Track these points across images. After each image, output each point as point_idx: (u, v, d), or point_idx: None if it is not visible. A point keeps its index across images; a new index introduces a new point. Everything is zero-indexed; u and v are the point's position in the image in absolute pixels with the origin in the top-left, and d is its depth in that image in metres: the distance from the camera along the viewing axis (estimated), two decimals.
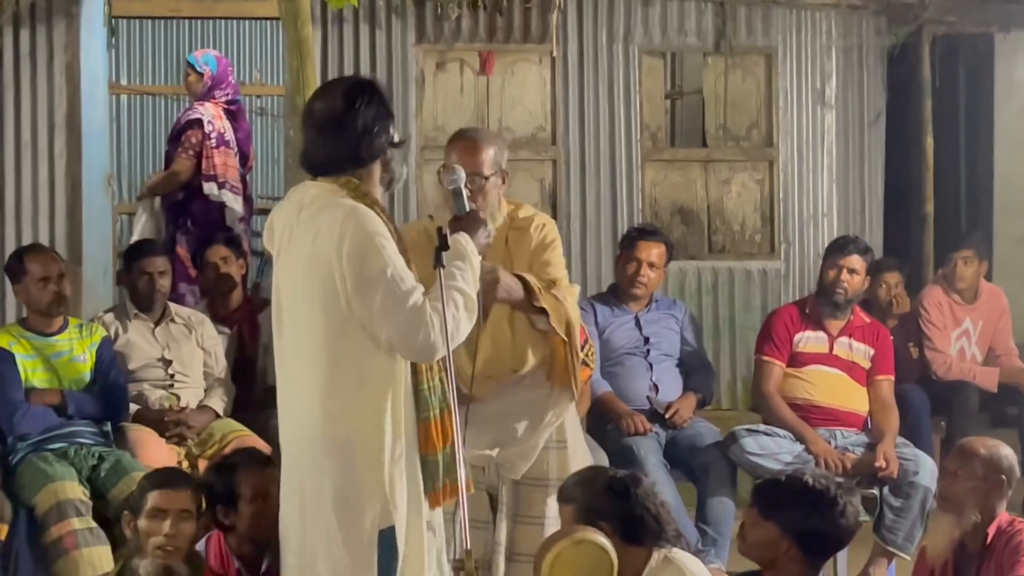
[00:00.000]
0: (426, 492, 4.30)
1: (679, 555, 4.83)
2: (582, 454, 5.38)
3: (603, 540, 4.55)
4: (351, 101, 4.26)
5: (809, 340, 7.13)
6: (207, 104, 8.59)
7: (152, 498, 4.78)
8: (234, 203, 8.48)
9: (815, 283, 7.46)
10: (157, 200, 8.63)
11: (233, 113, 8.75)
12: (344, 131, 4.25)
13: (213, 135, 8.44)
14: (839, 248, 7.20)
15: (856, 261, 7.11)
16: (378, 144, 4.27)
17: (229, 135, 8.58)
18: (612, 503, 4.78)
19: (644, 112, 9.30)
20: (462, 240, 4.37)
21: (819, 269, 7.32)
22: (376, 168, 4.30)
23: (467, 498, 4.24)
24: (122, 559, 4.88)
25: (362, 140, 4.25)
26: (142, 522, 4.76)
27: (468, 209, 4.56)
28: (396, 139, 4.32)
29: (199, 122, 8.48)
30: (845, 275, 7.10)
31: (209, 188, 8.39)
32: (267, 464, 5.20)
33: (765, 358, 7.15)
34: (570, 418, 5.29)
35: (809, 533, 4.48)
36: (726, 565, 6.67)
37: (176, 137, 8.57)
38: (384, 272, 4.12)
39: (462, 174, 4.63)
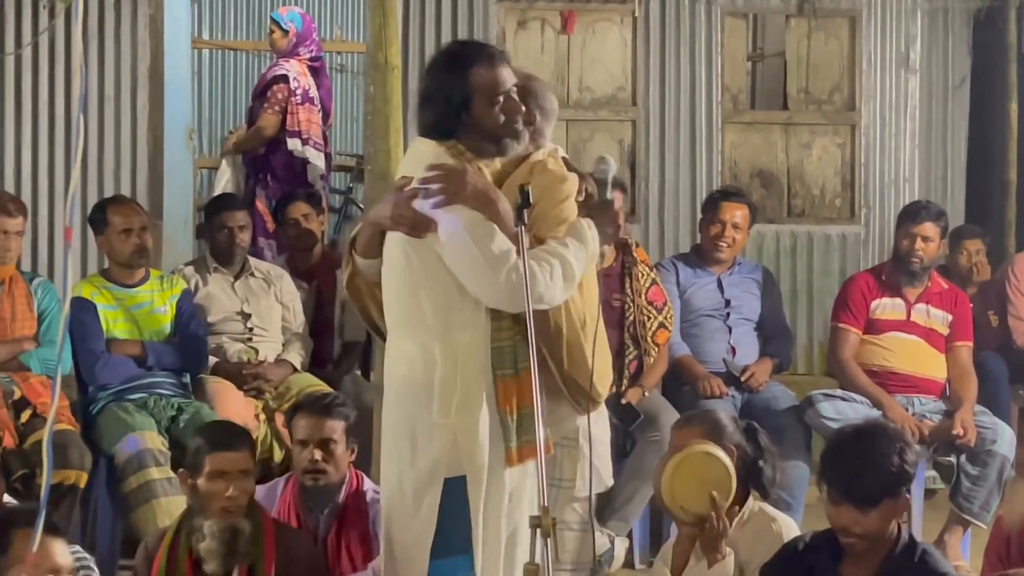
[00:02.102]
0: (503, 449, 4.31)
1: (780, 516, 4.84)
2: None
3: (730, 463, 4.59)
4: (428, 70, 4.42)
5: (886, 307, 7.08)
6: (291, 61, 8.66)
7: (211, 460, 4.72)
8: (317, 159, 8.56)
9: None
10: (239, 155, 8.71)
11: (316, 70, 8.82)
12: (420, 99, 4.38)
13: (298, 91, 8.51)
14: (911, 216, 7.10)
15: (930, 228, 7.03)
16: (436, 115, 4.32)
17: (313, 92, 8.65)
18: (743, 439, 4.80)
19: (725, 74, 9.24)
20: (585, 224, 4.38)
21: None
22: (475, 134, 4.33)
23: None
24: (178, 517, 4.88)
25: (427, 109, 4.34)
26: (202, 483, 4.72)
27: (608, 198, 4.58)
28: (477, 119, 4.31)
29: (285, 78, 8.55)
30: (919, 243, 7.02)
31: (293, 144, 8.47)
32: (324, 413, 5.23)
33: (841, 325, 7.11)
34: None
35: (906, 476, 4.38)
36: (801, 527, 6.64)
37: (262, 92, 8.65)
38: (470, 222, 4.17)
39: (614, 166, 4.65)
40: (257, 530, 4.67)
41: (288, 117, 8.48)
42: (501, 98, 4.31)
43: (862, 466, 4.37)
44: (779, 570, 4.54)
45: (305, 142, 8.48)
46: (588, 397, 4.51)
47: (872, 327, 7.07)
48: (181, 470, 4.86)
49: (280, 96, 8.48)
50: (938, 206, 7.28)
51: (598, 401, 4.65)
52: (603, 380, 4.66)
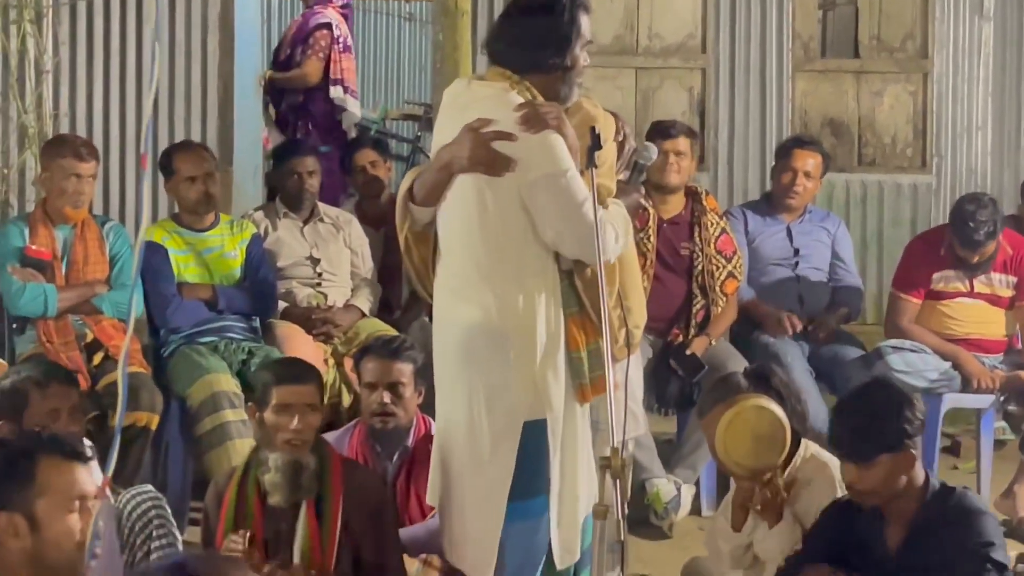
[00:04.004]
0: (573, 387, 4.35)
1: (832, 459, 4.82)
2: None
3: (783, 415, 4.59)
4: (529, 8, 4.40)
5: (949, 279, 6.97)
6: (328, 8, 8.71)
7: (277, 393, 4.71)
8: (355, 108, 8.61)
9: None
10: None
11: (345, 16, 8.86)
12: (511, 35, 4.39)
13: (340, 40, 8.57)
14: (971, 245, 6.81)
15: (990, 247, 6.89)
16: (533, 53, 4.34)
17: (349, 40, 8.70)
18: (760, 387, 4.78)
19: (796, 21, 9.15)
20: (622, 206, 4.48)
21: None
22: (560, 76, 4.37)
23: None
24: (248, 453, 4.89)
25: (520, 47, 4.35)
26: (268, 416, 4.71)
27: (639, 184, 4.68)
28: (568, 61, 4.36)
29: (328, 26, 8.60)
30: (978, 256, 6.91)
31: (336, 92, 8.53)
32: (393, 356, 5.24)
33: (902, 295, 7.04)
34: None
35: (908, 431, 4.37)
36: None
37: (304, 39, 8.66)
38: (561, 173, 4.20)
39: (655, 154, 4.69)
40: (324, 466, 4.67)
41: (331, 65, 8.56)
42: (587, 45, 4.40)
43: (859, 422, 4.38)
44: (825, 529, 4.53)
45: (346, 90, 8.54)
46: (628, 342, 4.61)
47: (934, 295, 6.99)
48: (250, 404, 4.89)
49: (323, 43, 8.54)
50: (991, 209, 6.83)
51: (635, 344, 4.71)
52: (639, 323, 4.76)
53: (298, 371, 4.88)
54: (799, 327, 6.93)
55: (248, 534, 4.60)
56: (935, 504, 4.40)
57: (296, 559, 4.60)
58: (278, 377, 4.78)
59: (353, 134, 8.69)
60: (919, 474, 4.43)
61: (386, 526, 4.76)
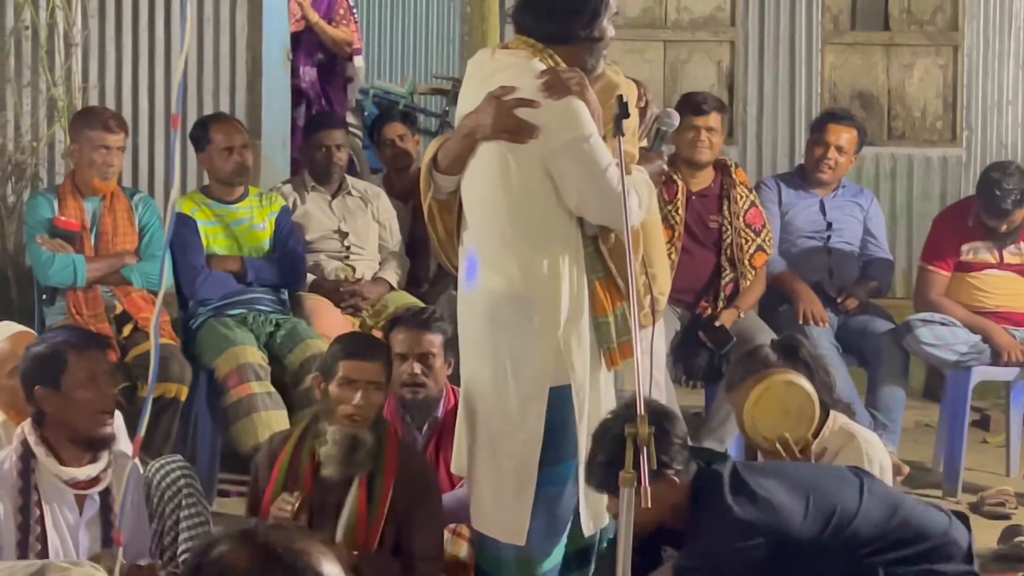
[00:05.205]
0: (600, 352, 4.35)
1: (859, 430, 4.81)
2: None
3: (812, 390, 4.57)
4: None
5: (978, 251, 6.94)
6: None
7: (344, 367, 4.66)
8: (362, 77, 8.59)
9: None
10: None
11: None
12: (539, 5, 4.35)
13: (353, 9, 8.53)
14: (999, 214, 6.83)
15: (1017, 215, 6.86)
16: (564, 24, 4.33)
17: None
18: (787, 359, 4.76)
19: None
20: (644, 172, 4.46)
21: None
22: (587, 47, 4.35)
23: None
24: (307, 418, 4.85)
25: (551, 17, 4.33)
26: (332, 388, 4.67)
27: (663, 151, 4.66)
28: (596, 33, 4.35)
29: None
30: (1005, 225, 6.88)
31: (359, 62, 8.49)
32: (423, 327, 5.23)
33: (930, 267, 7.02)
34: None
35: (662, 460, 4.08)
36: (898, 451, 6.63)
37: (329, 6, 8.62)
38: (585, 139, 4.19)
39: (677, 120, 4.66)
40: (380, 445, 4.65)
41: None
42: (614, 17, 4.39)
43: (610, 453, 4.02)
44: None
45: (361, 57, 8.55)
46: (653, 309, 4.60)
47: (963, 267, 6.97)
48: (315, 374, 4.86)
49: (342, 11, 8.51)
50: (1017, 178, 6.80)
51: (660, 311, 4.70)
52: (664, 291, 4.76)
53: (367, 347, 4.83)
54: (825, 321, 6.89)
55: (299, 496, 4.58)
56: (696, 510, 4.21)
57: (340, 535, 4.59)
58: (346, 351, 4.74)
59: (357, 99, 8.65)
60: (685, 491, 4.21)
61: (431, 513, 4.73)
